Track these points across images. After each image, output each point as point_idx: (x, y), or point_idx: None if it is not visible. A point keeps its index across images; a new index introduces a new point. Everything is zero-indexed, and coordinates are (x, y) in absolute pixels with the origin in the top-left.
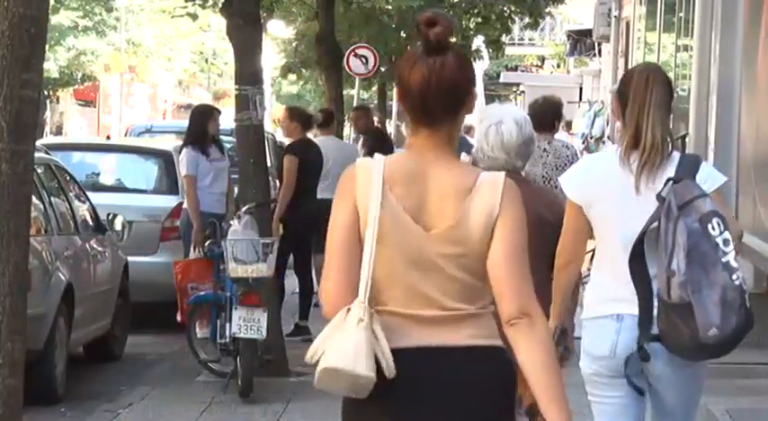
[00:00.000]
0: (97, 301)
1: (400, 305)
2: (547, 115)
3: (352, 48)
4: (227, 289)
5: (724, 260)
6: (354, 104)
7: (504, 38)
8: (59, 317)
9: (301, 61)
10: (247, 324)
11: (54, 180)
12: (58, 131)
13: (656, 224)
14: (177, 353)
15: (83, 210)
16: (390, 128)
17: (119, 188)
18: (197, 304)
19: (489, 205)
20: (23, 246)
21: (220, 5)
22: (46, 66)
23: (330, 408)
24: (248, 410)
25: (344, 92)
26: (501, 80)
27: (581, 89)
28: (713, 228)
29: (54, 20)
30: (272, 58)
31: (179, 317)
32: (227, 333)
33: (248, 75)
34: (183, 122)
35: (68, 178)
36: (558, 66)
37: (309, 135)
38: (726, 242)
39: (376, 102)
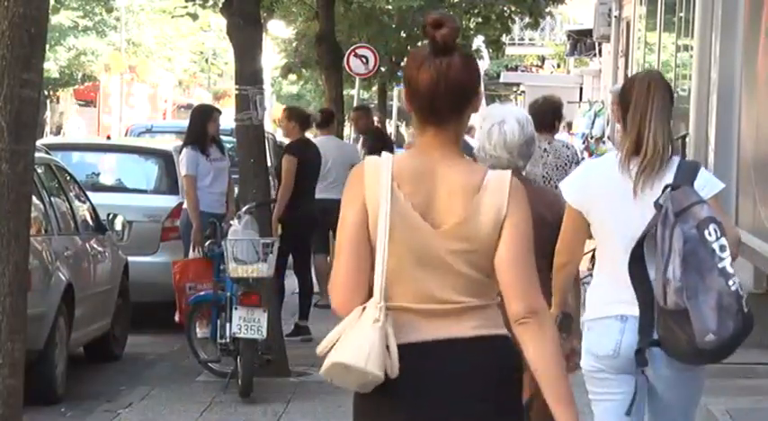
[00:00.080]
0: (97, 301)
1: (408, 300)
2: (547, 115)
3: (352, 48)
4: (228, 289)
5: (720, 266)
6: (354, 104)
7: (504, 38)
8: (59, 317)
9: (301, 61)
10: (247, 324)
11: (54, 180)
12: (58, 131)
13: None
14: (177, 353)
15: (83, 210)
16: (390, 128)
17: (119, 188)
18: (197, 304)
19: (497, 204)
20: (23, 246)
21: (220, 5)
22: (46, 66)
23: (330, 408)
24: (248, 410)
25: (344, 92)
26: (501, 80)
27: (581, 89)
28: (710, 235)
29: (54, 20)
30: (272, 58)
31: (177, 317)
32: (228, 333)
33: (248, 75)
34: (183, 122)
35: (68, 178)
36: (558, 66)
37: (309, 135)
38: (722, 248)
39: (376, 102)
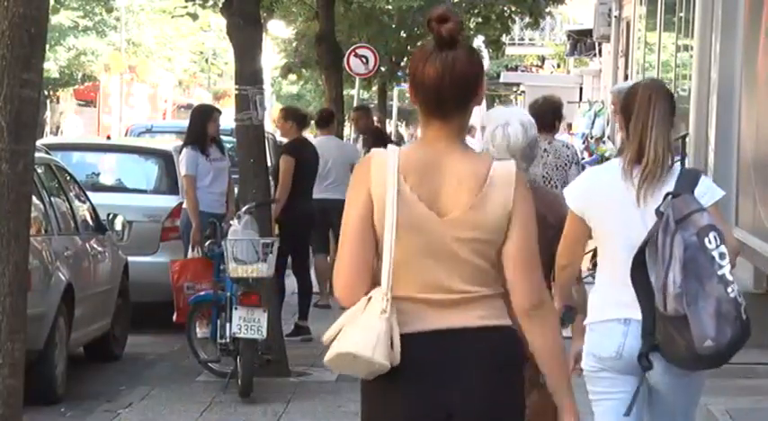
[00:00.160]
0: (97, 301)
1: (415, 290)
2: (547, 115)
3: (352, 48)
4: (228, 289)
5: (720, 273)
6: (354, 104)
7: (504, 38)
8: (59, 317)
9: (301, 61)
10: (247, 324)
11: (54, 180)
12: (58, 131)
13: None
14: (177, 353)
15: (83, 210)
16: (390, 128)
17: (119, 188)
18: (197, 304)
19: (504, 194)
20: (23, 246)
21: (220, 5)
22: (46, 66)
23: (330, 408)
24: (248, 410)
25: (344, 92)
26: (501, 80)
27: (581, 89)
28: (710, 242)
29: (54, 20)
30: (272, 58)
31: (174, 317)
32: (228, 333)
33: (248, 75)
34: (183, 122)
35: (68, 178)
36: (558, 66)
37: (309, 135)
38: (722, 255)
39: (376, 102)
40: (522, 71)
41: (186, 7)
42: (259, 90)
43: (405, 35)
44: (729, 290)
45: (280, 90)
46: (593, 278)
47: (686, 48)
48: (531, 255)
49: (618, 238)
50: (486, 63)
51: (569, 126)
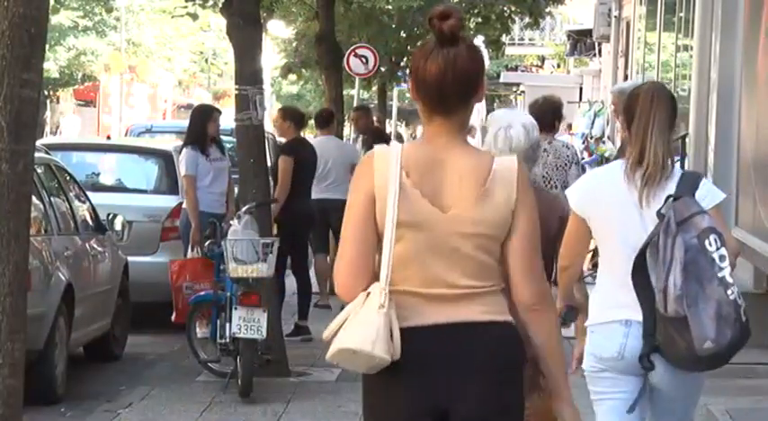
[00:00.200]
0: (97, 301)
1: (416, 285)
2: (547, 115)
3: (352, 48)
4: (228, 289)
5: (720, 275)
6: (354, 104)
7: (504, 38)
8: (59, 317)
9: (301, 61)
10: (247, 324)
11: (54, 180)
12: (58, 131)
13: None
14: (177, 353)
15: (83, 210)
16: (390, 128)
17: (119, 188)
18: (197, 304)
19: (507, 190)
20: (23, 246)
21: (220, 5)
22: (46, 66)
23: (330, 408)
24: (248, 410)
25: (344, 92)
26: (501, 80)
27: (581, 89)
28: (710, 244)
29: (54, 20)
30: (272, 58)
31: (173, 317)
32: (227, 333)
33: (248, 75)
34: (183, 122)
35: (68, 178)
36: (558, 66)
37: (309, 136)
38: (722, 258)
39: (376, 102)
40: (522, 71)
41: (186, 7)
42: (259, 90)
43: (405, 35)
44: (729, 292)
45: (280, 90)
46: (594, 278)
47: (686, 48)
48: (533, 250)
49: (619, 240)
50: (486, 63)
51: (569, 126)
